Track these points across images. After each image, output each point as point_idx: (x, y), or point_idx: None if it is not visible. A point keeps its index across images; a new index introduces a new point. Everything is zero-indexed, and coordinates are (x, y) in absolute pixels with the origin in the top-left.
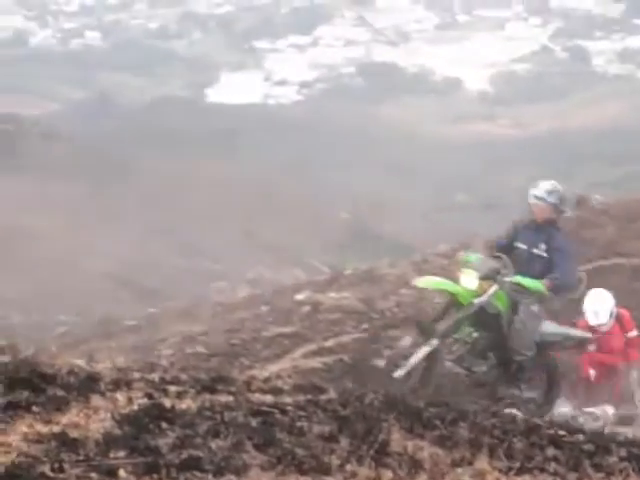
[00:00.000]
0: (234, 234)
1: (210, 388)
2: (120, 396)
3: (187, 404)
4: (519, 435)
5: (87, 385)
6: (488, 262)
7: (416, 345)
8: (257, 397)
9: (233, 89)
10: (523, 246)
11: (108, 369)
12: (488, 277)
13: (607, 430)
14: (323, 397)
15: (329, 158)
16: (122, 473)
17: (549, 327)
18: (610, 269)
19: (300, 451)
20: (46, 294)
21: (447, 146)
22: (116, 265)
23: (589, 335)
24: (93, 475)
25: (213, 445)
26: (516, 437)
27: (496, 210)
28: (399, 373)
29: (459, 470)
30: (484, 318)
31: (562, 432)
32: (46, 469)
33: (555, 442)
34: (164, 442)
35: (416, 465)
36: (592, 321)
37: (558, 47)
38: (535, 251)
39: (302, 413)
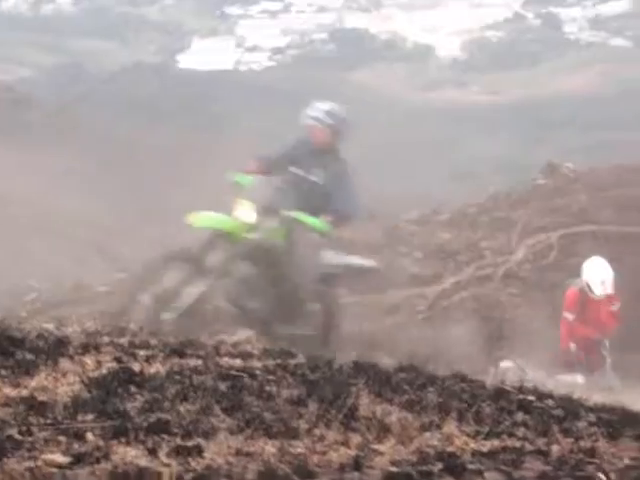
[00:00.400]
0: (205, 200)
1: (179, 352)
2: (89, 360)
3: (156, 368)
4: (488, 400)
5: (56, 349)
6: (267, 193)
7: (186, 282)
8: (226, 361)
9: (205, 55)
10: (299, 171)
11: (77, 333)
12: (267, 211)
13: (582, 398)
14: (292, 361)
15: (298, 124)
16: (90, 436)
17: (330, 258)
18: (581, 237)
19: (268, 415)
20: (17, 260)
21: (419, 113)
22: (87, 231)
23: (373, 265)
24: (61, 438)
25: (181, 409)
26: (485, 402)
27: (466, 177)
28: (169, 315)
29: (427, 434)
30: (260, 253)
31: (531, 397)
32: (14, 432)
33: (524, 407)
34: (132, 405)
35: (384, 429)
36: (598, 291)
37: (530, 14)
38: (313, 178)
39: (271, 377)
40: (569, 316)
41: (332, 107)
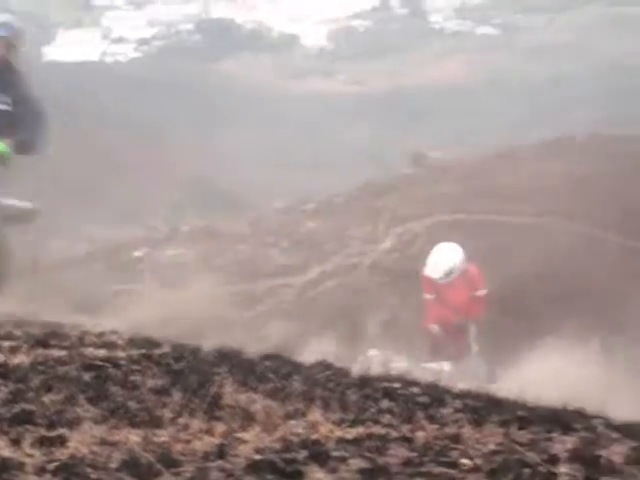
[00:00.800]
0: (72, 193)
1: (43, 343)
2: None
3: (20, 359)
4: (353, 387)
5: None
6: None
7: None
8: (90, 351)
9: (70, 47)
10: None
11: None
12: None
13: (447, 385)
14: (157, 351)
15: (167, 115)
16: None
17: None
18: (448, 225)
19: (133, 404)
20: None
21: (285, 103)
22: None
23: (30, 206)
24: None
25: (46, 399)
26: (350, 389)
27: (332, 167)
28: None
29: (292, 422)
30: None
31: (397, 385)
32: None
33: (389, 394)
34: None
35: (249, 418)
36: (429, 272)
37: (396, 3)
38: None
39: (135, 367)
40: (428, 297)
41: (3, 18)
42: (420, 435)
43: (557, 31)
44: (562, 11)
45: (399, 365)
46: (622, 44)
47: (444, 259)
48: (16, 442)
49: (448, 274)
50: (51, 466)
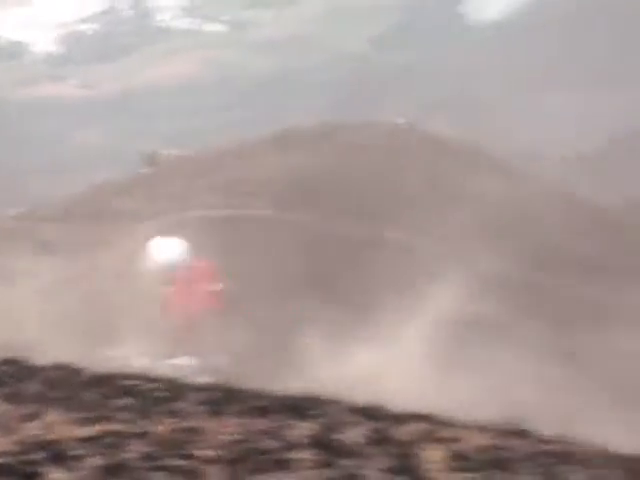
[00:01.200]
0: None
1: None
2: None
3: None
4: (92, 387)
5: None
6: None
7: None
8: None
9: None
10: None
11: None
12: None
13: (188, 380)
14: None
15: None
16: None
17: None
18: (184, 222)
19: None
20: None
21: (14, 109)
22: None
23: None
24: None
25: None
26: (88, 389)
27: (67, 172)
28: None
29: (29, 424)
30: None
31: (136, 382)
32: None
33: (129, 391)
34: None
35: None
36: (143, 266)
37: (125, 5)
38: None
39: None
40: (163, 289)
41: None
42: (159, 429)
43: (285, 25)
44: (289, 5)
45: (140, 362)
46: (349, 35)
47: (159, 254)
48: None
49: (166, 268)
50: None
